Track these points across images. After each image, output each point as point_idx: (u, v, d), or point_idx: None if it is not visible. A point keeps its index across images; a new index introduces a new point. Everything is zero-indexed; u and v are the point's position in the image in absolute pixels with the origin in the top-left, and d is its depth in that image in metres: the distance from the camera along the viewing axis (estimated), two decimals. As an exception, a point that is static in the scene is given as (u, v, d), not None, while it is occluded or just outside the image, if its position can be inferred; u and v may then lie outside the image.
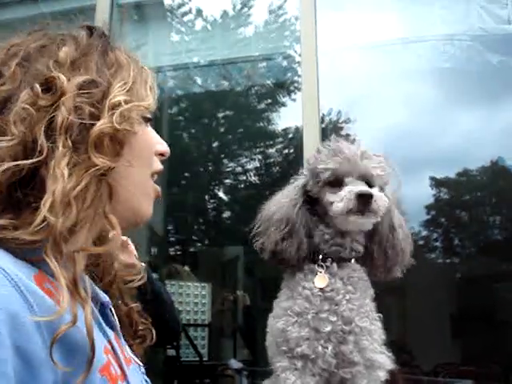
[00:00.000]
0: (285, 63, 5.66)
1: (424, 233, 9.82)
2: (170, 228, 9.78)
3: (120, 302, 1.14)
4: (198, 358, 7.25)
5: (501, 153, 8.00)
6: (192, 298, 8.44)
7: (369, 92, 5.75)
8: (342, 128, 8.08)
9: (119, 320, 1.08)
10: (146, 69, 1.11)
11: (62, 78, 0.91)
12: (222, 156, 10.23)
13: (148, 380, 1.08)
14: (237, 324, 8.39)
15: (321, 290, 1.42)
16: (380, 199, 1.39)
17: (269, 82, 7.67)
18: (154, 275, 2.31)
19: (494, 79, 4.83)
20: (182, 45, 4.52)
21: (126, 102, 0.96)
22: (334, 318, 1.38)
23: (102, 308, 0.97)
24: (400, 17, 3.84)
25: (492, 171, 9.26)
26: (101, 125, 0.90)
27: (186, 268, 9.03)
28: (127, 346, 1.03)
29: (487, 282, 7.91)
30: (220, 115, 9.37)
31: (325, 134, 3.50)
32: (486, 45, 3.55)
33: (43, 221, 0.80)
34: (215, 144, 9.99)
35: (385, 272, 1.51)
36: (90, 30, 1.07)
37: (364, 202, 1.37)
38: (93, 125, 0.91)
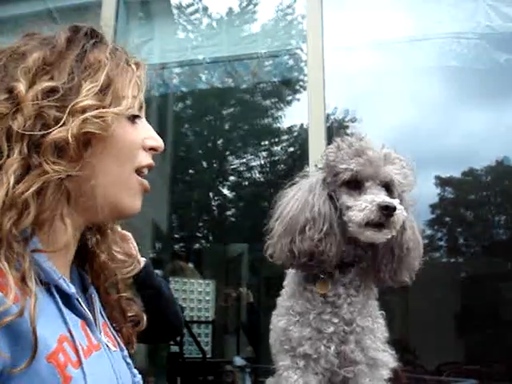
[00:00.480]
0: (291, 61, 5.65)
1: (429, 232, 9.82)
2: (174, 225, 9.79)
3: (113, 290, 1.19)
4: (201, 355, 7.26)
5: (507, 152, 7.97)
6: (196, 294, 8.46)
7: (375, 90, 5.74)
8: (347, 126, 8.07)
9: (110, 306, 1.17)
10: (134, 65, 1.11)
11: (20, 86, 0.95)
12: (227, 153, 10.24)
13: (130, 363, 1.13)
14: (240, 321, 8.39)
15: (322, 294, 1.41)
16: (401, 213, 1.30)
17: (275, 79, 7.67)
18: (158, 271, 2.32)
19: (500, 78, 4.81)
20: (188, 41, 4.51)
21: (92, 107, 0.98)
22: (336, 320, 1.38)
23: (69, 299, 1.00)
24: (407, 15, 3.82)
25: (497, 171, 9.24)
26: (56, 133, 0.93)
27: (190, 265, 9.05)
28: (103, 332, 1.08)
29: (492, 282, 7.90)
30: (225, 112, 9.37)
31: (330, 133, 3.49)
32: (493, 43, 3.52)
33: None
34: (220, 141, 9.99)
35: (391, 274, 1.42)
36: (75, 30, 1.08)
37: (386, 214, 1.29)
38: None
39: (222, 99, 8.28)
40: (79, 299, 1.04)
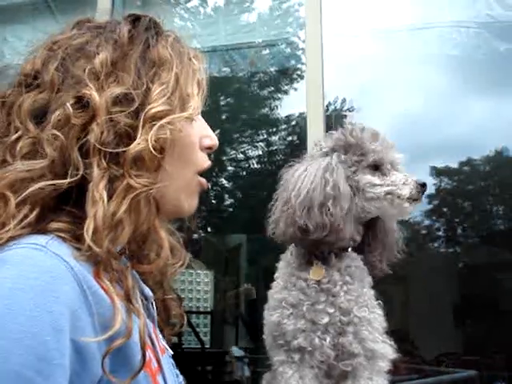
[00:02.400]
0: (288, 50, 5.61)
1: (427, 222, 9.81)
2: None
3: (158, 287, 1.14)
4: (200, 346, 7.28)
5: (506, 142, 7.95)
6: (195, 285, 8.48)
7: (374, 79, 5.70)
8: (346, 116, 8.03)
9: (156, 306, 1.11)
10: (195, 59, 1.05)
11: (95, 95, 0.89)
12: (225, 143, 10.21)
13: (174, 363, 1.10)
14: (239, 312, 8.41)
15: (317, 281, 1.39)
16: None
17: (272, 69, 7.62)
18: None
19: (500, 67, 4.78)
20: (185, 31, 4.48)
21: (165, 113, 0.93)
22: (331, 310, 1.35)
23: (146, 302, 0.99)
24: (406, 2, 3.79)
25: (496, 161, 9.22)
26: (136, 146, 0.88)
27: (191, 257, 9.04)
28: (161, 335, 1.05)
29: (490, 272, 7.91)
30: (222, 102, 9.33)
31: (329, 122, 3.47)
32: (493, 32, 3.49)
33: (89, 248, 0.82)
34: (217, 131, 9.95)
35: (381, 260, 1.49)
36: (135, 20, 1.02)
37: (422, 191, 1.41)
38: (129, 143, 0.89)
39: (219, 89, 8.23)
40: (153, 302, 1.03)
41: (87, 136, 0.87)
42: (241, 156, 10.23)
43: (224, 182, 10.55)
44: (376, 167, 1.43)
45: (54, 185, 0.85)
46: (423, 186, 1.40)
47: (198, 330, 7.69)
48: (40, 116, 0.91)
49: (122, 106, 0.91)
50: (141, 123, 0.90)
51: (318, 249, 1.41)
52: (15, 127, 0.91)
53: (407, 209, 1.41)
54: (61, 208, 0.88)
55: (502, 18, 3.40)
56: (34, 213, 0.84)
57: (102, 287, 0.82)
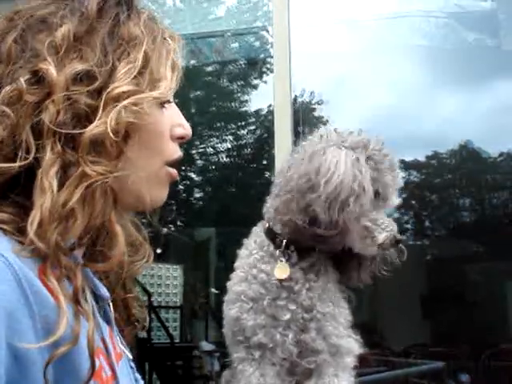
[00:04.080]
0: (257, 43, 5.59)
1: (395, 215, 9.90)
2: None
3: (119, 285, 1.06)
4: (169, 340, 7.24)
5: (472, 135, 8.05)
6: (164, 279, 8.43)
7: (343, 71, 5.71)
8: (314, 109, 8.04)
9: (114, 305, 1.03)
10: (170, 39, 0.98)
11: (52, 70, 0.81)
12: (194, 137, 10.17)
13: (133, 366, 1.01)
14: (209, 306, 8.39)
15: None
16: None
17: (241, 62, 7.59)
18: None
19: (468, 58, 4.81)
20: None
21: (131, 93, 0.85)
22: (293, 307, 1.30)
23: (102, 303, 0.91)
24: (375, -8, 3.78)
25: (461, 154, 9.34)
26: (93, 128, 0.80)
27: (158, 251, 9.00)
28: (119, 337, 0.97)
29: (457, 264, 8.02)
30: (191, 95, 9.28)
31: (297, 116, 3.44)
32: (461, 22, 3.50)
33: (32, 242, 0.74)
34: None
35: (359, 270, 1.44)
36: None
37: (395, 246, 1.34)
38: (86, 125, 0.81)
39: (186, 81, 8.18)
40: (110, 303, 0.95)
41: (41, 115, 0.80)
42: (210, 150, 10.20)
43: (193, 175, 10.50)
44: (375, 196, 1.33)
45: (1, 168, 0.78)
46: (398, 242, 1.32)
47: (167, 324, 7.65)
48: None
49: (83, 85, 0.83)
50: (102, 104, 0.82)
51: (314, 246, 1.34)
52: None
53: (372, 251, 1.32)
54: (6, 196, 0.80)
55: (470, 8, 3.41)
56: None
57: (47, 287, 0.75)
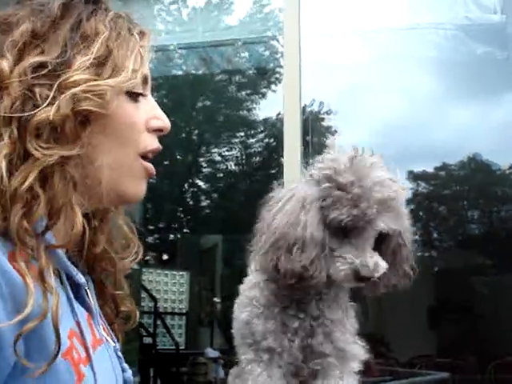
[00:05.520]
0: (267, 52, 5.62)
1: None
2: (148, 216, 9.73)
3: (110, 282, 1.09)
4: (174, 347, 7.23)
5: (481, 147, 8.04)
6: (170, 286, 8.42)
7: (353, 81, 5.72)
8: (323, 119, 8.07)
9: (104, 299, 1.07)
10: (140, 35, 1.01)
11: (3, 63, 0.86)
12: (202, 144, 10.19)
13: (121, 356, 1.04)
14: (214, 313, 8.37)
15: None
16: (380, 270, 1.19)
17: (250, 71, 7.62)
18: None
19: (477, 70, 4.82)
20: (164, 27, 4.46)
21: (84, 81, 0.88)
22: (302, 315, 1.32)
23: (77, 288, 0.92)
24: (385, 4, 3.79)
25: (470, 166, 9.33)
26: (40, 114, 0.83)
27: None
28: (101, 326, 1.00)
29: (464, 276, 7.98)
30: (200, 104, 9.32)
31: (306, 125, 3.45)
32: (470, 35, 3.51)
33: None
34: (196, 132, 9.94)
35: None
36: None
37: (362, 280, 1.21)
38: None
39: (196, 89, 8.22)
40: (87, 290, 0.98)
41: None
42: (218, 157, 10.23)
43: (200, 183, 10.53)
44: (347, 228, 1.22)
45: None
46: (361, 279, 1.19)
47: (172, 331, 7.65)
48: None
49: (40, 76, 0.87)
50: (53, 92, 0.86)
51: (295, 293, 1.34)
52: None
53: (352, 285, 1.26)
54: None
55: (479, 20, 3.42)
56: None
57: (16, 268, 0.78)
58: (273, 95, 8.97)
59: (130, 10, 1.04)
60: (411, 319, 7.30)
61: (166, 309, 8.29)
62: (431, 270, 9.29)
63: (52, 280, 0.81)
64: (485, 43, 3.55)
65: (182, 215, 10.80)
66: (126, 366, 1.04)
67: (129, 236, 1.10)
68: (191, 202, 10.46)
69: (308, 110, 7.81)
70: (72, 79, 0.87)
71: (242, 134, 10.33)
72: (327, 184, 1.21)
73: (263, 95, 9.67)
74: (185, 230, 10.49)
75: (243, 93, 9.82)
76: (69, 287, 0.88)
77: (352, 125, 7.32)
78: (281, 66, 5.34)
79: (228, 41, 4.15)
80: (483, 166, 8.83)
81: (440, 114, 7.01)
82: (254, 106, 9.90)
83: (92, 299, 0.98)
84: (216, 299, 8.55)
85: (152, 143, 1.01)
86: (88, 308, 0.94)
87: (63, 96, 0.85)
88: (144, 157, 1.00)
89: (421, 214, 10.36)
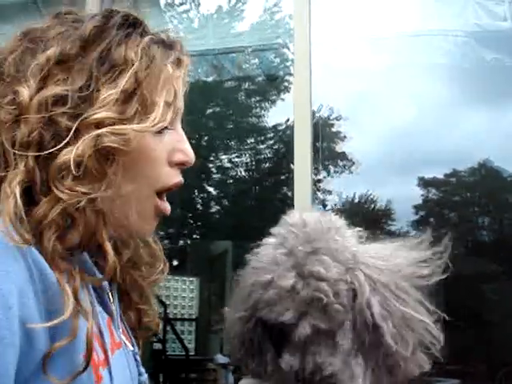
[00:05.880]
0: (277, 60, 5.64)
1: (413, 233, 9.84)
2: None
3: (136, 294, 1.08)
4: (184, 353, 7.23)
5: (492, 154, 8.01)
6: (180, 292, 8.43)
7: (362, 88, 5.72)
8: (333, 125, 8.07)
9: (129, 309, 1.06)
10: (176, 65, 0.93)
11: (24, 92, 0.83)
12: (212, 151, 10.22)
13: (138, 360, 1.04)
14: (224, 319, 8.35)
15: None
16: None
17: (260, 78, 7.64)
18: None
19: (487, 77, 4.81)
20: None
21: (108, 120, 0.83)
22: None
23: (101, 291, 0.93)
24: (395, 11, 3.80)
25: (481, 173, 9.28)
26: (64, 154, 0.80)
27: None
28: (121, 329, 1.01)
29: (475, 283, 7.93)
30: (210, 110, 9.34)
31: (316, 131, 3.46)
32: (480, 41, 3.52)
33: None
34: (205, 138, 9.97)
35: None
36: (107, 17, 0.92)
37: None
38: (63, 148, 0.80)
39: (206, 96, 8.26)
40: (110, 294, 0.97)
41: (16, 134, 0.82)
42: (228, 164, 10.24)
43: (210, 189, 10.54)
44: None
45: None
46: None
47: (182, 337, 7.65)
48: None
49: (61, 108, 0.83)
50: (74, 127, 0.82)
51: None
52: None
53: None
54: None
55: (489, 27, 3.42)
56: None
57: (53, 271, 0.79)
58: (282, 102, 8.98)
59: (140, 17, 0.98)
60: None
61: (176, 315, 8.30)
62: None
63: (87, 303, 0.82)
64: (494, 50, 3.56)
65: (192, 221, 10.81)
66: (142, 369, 1.05)
67: (155, 252, 1.09)
68: (201, 208, 10.47)
69: (317, 115, 7.84)
70: (95, 117, 0.83)
71: (252, 140, 10.34)
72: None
73: (273, 102, 9.69)
74: (194, 236, 10.49)
75: (253, 99, 9.84)
76: (92, 290, 0.89)
77: (362, 131, 7.33)
78: (291, 74, 5.36)
79: (238, 48, 4.17)
80: (494, 172, 8.78)
81: (450, 120, 7.00)
82: (264, 112, 9.92)
83: (114, 303, 0.99)
84: (227, 309, 8.55)
85: (174, 177, 0.97)
86: (109, 311, 0.95)
87: (86, 137, 0.81)
88: (160, 194, 0.96)
89: (431, 220, 10.31)
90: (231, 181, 10.51)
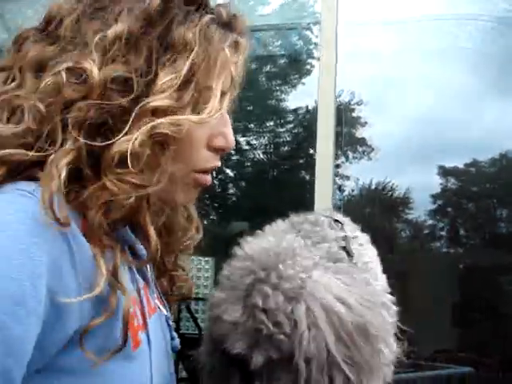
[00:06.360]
0: (300, 43, 5.60)
1: (430, 222, 9.79)
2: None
3: (170, 261, 1.10)
4: (197, 331, 7.29)
5: (512, 144, 7.90)
6: (195, 271, 8.47)
7: (385, 73, 5.67)
8: (354, 110, 8.01)
9: (162, 273, 1.08)
10: (234, 48, 0.90)
11: (95, 73, 0.79)
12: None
13: (171, 325, 1.07)
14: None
15: None
16: None
17: (282, 61, 7.60)
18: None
19: (513, 63, 4.74)
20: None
21: (168, 109, 0.80)
22: None
23: (137, 258, 0.94)
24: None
25: (501, 163, 9.18)
26: (117, 146, 0.78)
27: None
28: (156, 294, 1.02)
29: (491, 274, 7.89)
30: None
31: (338, 115, 3.44)
32: (510, 27, 3.46)
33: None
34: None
35: None
36: None
37: None
38: (120, 130, 0.79)
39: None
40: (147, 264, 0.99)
41: (72, 111, 0.80)
42: (246, 146, 10.24)
43: (228, 170, 10.55)
44: None
45: (15, 156, 0.79)
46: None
47: (196, 315, 7.69)
48: (43, 69, 0.83)
49: (120, 89, 0.81)
50: (133, 115, 0.79)
51: None
52: (14, 76, 0.84)
53: None
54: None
55: (519, 13, 3.37)
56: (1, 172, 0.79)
57: (93, 247, 0.79)
58: (303, 86, 8.93)
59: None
60: (436, 315, 7.25)
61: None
62: (457, 266, 9.20)
63: (126, 281, 0.83)
64: (523, 36, 3.51)
65: (209, 202, 10.84)
66: (174, 334, 1.07)
67: (191, 214, 1.09)
68: (218, 189, 10.49)
69: (338, 100, 7.79)
70: (154, 104, 0.80)
71: (272, 123, 10.32)
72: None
73: (293, 86, 9.64)
74: (211, 217, 10.52)
75: (274, 82, 9.80)
76: (130, 256, 0.90)
77: (383, 117, 7.26)
78: (313, 57, 5.34)
79: (263, 26, 4.15)
80: (513, 163, 8.69)
81: (474, 108, 6.91)
82: (284, 96, 9.88)
83: (149, 270, 1.00)
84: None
85: (211, 161, 0.96)
86: (145, 277, 0.97)
87: (144, 126, 0.79)
88: (199, 172, 0.96)
89: (449, 210, 10.24)
90: (249, 163, 10.50)
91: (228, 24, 0.92)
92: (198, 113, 0.85)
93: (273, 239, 1.05)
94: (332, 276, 1.00)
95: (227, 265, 1.06)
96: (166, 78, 0.81)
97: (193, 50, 0.84)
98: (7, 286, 0.70)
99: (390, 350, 1.07)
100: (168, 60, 0.83)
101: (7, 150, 0.78)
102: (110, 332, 0.80)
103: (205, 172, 0.97)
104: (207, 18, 0.88)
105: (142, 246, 0.93)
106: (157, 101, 0.80)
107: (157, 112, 0.80)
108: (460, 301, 8.19)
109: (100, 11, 0.85)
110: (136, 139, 0.78)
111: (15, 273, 0.71)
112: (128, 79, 0.81)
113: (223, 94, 0.89)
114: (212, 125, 0.92)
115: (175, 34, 0.84)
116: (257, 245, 1.05)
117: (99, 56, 0.81)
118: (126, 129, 0.79)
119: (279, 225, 1.15)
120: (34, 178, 0.79)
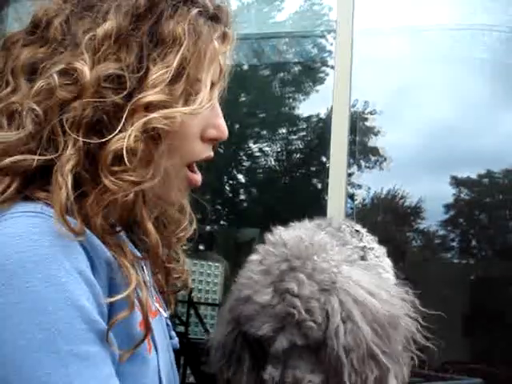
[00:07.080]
0: (315, 51, 5.61)
1: (441, 232, 9.73)
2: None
3: (165, 251, 1.12)
4: (205, 337, 7.29)
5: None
6: (204, 276, 8.49)
7: (400, 82, 5.66)
8: (367, 119, 7.99)
9: (156, 267, 1.11)
10: (219, 40, 0.91)
11: (86, 72, 0.80)
12: (243, 138, 10.23)
13: (169, 324, 1.08)
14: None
15: None
16: None
17: (296, 68, 7.61)
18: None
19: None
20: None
21: (159, 104, 0.81)
22: None
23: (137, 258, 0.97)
24: (438, 2, 3.74)
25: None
26: (113, 143, 0.79)
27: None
28: (155, 297, 1.03)
29: (502, 285, 7.83)
30: (243, 98, 9.33)
31: (352, 124, 3.44)
32: (525, 38, 3.45)
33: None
34: (237, 126, 9.99)
35: None
36: None
37: None
38: (114, 127, 0.80)
39: (241, 82, 8.27)
40: (144, 264, 1.02)
41: (68, 112, 0.80)
42: (258, 153, 10.24)
43: (240, 176, 10.56)
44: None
45: (26, 160, 0.80)
46: None
47: (204, 321, 7.71)
48: (35, 72, 0.84)
49: (113, 87, 0.82)
50: (127, 110, 0.80)
51: None
52: (7, 80, 0.85)
53: None
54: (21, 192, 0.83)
55: (535, 24, 3.36)
56: (14, 184, 0.80)
57: (107, 249, 0.82)
58: (316, 94, 8.93)
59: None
60: (446, 325, 7.20)
61: (200, 299, 8.35)
62: (468, 277, 9.14)
63: (139, 272, 0.87)
64: (539, 47, 3.49)
65: (221, 207, 10.86)
66: (173, 333, 1.09)
67: (183, 207, 1.11)
68: (230, 195, 10.50)
69: (352, 109, 7.77)
70: (146, 100, 0.81)
71: (284, 130, 10.33)
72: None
73: (307, 93, 9.65)
74: (222, 223, 10.52)
75: (287, 89, 9.82)
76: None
77: (396, 126, 7.24)
78: (327, 65, 5.34)
79: (279, 33, 4.16)
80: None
81: (489, 118, 6.86)
82: (297, 103, 9.89)
83: (147, 273, 1.01)
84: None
85: (205, 152, 0.99)
86: (144, 281, 0.98)
87: (137, 122, 0.80)
88: (190, 166, 0.99)
89: (461, 220, 10.18)
90: (261, 170, 10.50)
91: (215, 15, 0.94)
92: (190, 105, 0.87)
93: (305, 232, 1.09)
94: (361, 271, 1.04)
95: (259, 248, 1.15)
96: (158, 73, 0.83)
97: (182, 45, 0.85)
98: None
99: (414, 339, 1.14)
100: (158, 55, 0.85)
101: (15, 157, 0.79)
102: (129, 326, 0.83)
103: (197, 162, 0.99)
104: (195, 11, 0.90)
105: (135, 249, 0.97)
106: (149, 96, 0.82)
107: (150, 107, 0.82)
108: (471, 311, 8.13)
109: (88, 10, 0.86)
110: (130, 136, 0.79)
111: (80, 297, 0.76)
112: (120, 76, 0.83)
113: (213, 84, 0.91)
114: (204, 116, 0.94)
115: (164, 29, 0.86)
116: (290, 234, 1.09)
117: (90, 56, 0.82)
118: (121, 125, 0.80)
119: (306, 223, 1.21)
120: (29, 198, 0.80)
